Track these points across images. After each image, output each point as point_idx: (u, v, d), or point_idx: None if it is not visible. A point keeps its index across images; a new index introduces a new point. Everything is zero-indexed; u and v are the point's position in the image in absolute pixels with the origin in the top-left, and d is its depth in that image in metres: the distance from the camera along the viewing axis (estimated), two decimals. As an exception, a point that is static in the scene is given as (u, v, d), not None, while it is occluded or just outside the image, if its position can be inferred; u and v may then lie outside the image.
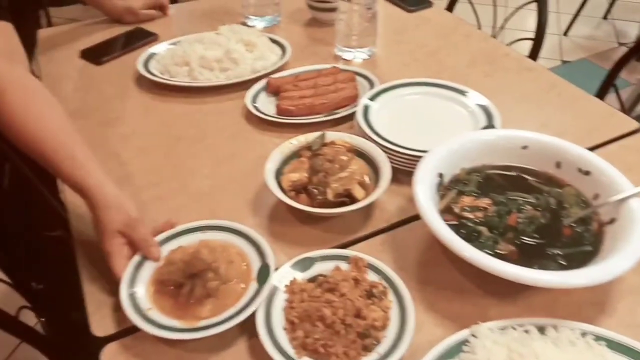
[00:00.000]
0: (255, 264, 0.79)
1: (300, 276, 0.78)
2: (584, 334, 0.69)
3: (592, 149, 0.98)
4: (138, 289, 0.76)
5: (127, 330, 0.75)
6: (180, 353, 0.73)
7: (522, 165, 0.90)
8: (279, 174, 0.92)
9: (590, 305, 0.78)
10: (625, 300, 0.78)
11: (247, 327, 0.73)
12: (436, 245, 0.87)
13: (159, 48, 1.28)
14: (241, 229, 0.83)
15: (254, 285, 0.75)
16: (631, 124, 1.10)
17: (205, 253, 0.77)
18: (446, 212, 0.84)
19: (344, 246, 0.86)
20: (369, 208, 0.94)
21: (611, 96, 1.35)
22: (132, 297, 0.74)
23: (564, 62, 2.99)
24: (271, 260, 0.78)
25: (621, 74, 1.34)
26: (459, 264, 0.83)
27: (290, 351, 0.69)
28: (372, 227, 0.91)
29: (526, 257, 0.78)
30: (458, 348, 0.69)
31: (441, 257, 0.85)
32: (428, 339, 0.73)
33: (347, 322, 0.69)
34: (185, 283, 0.75)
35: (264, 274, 0.77)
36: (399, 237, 0.89)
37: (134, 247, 0.80)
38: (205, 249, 0.78)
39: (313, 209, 0.85)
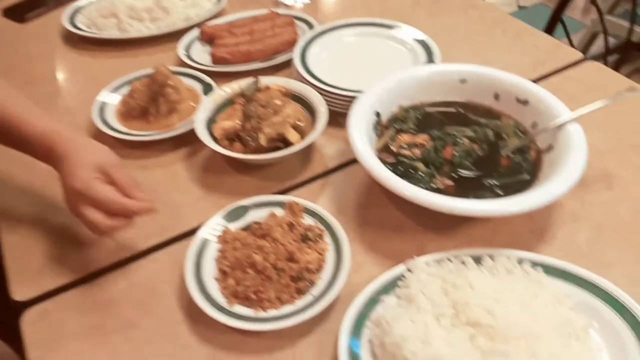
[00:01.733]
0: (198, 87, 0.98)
1: (234, 226, 0.76)
2: (520, 262, 0.69)
3: (535, 81, 0.96)
4: None
5: (48, 294, 0.72)
6: (102, 319, 0.71)
7: (461, 100, 0.89)
8: (212, 123, 0.88)
9: (529, 234, 0.77)
10: (565, 227, 0.78)
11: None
12: (375, 185, 0.85)
13: (85, 1, 1.22)
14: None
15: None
16: (576, 54, 1.09)
17: (164, 69, 0.93)
18: (383, 151, 0.83)
19: (282, 193, 0.84)
20: (308, 153, 0.91)
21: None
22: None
23: (520, 7, 2.97)
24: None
25: (576, 16, 1.33)
26: (398, 202, 0.82)
27: (221, 300, 0.67)
28: (311, 172, 0.89)
29: (463, 190, 0.76)
30: (393, 283, 0.68)
31: (381, 198, 0.84)
32: (367, 278, 0.71)
33: (279, 266, 0.68)
34: (150, 105, 0.92)
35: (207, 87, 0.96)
36: (339, 181, 0.87)
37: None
38: (162, 67, 0.94)
39: (245, 155, 0.82)
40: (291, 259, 0.69)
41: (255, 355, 0.66)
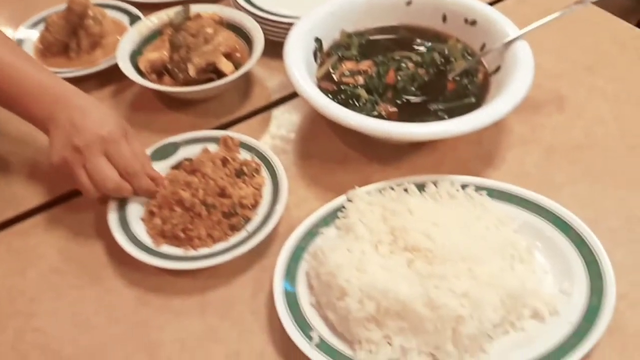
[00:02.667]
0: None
1: (163, 165, 0.71)
2: (464, 186, 0.66)
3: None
4: None
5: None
6: (22, 265, 0.67)
7: (407, 24, 0.84)
8: (138, 56, 0.83)
9: (477, 159, 0.75)
10: (514, 151, 0.76)
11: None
12: (319, 118, 0.81)
13: None
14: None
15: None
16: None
17: None
18: (324, 79, 0.78)
19: (220, 129, 0.80)
20: (247, 87, 0.86)
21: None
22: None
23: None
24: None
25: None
26: (342, 134, 0.79)
27: (148, 241, 0.64)
28: (251, 106, 0.84)
29: (407, 116, 0.73)
30: (333, 215, 0.65)
31: (324, 130, 0.80)
32: (308, 213, 0.68)
33: (209, 202, 0.64)
34: (70, 40, 0.87)
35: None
36: (281, 115, 0.83)
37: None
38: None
39: (174, 88, 0.77)
40: (223, 194, 0.65)
41: (186, 296, 0.63)
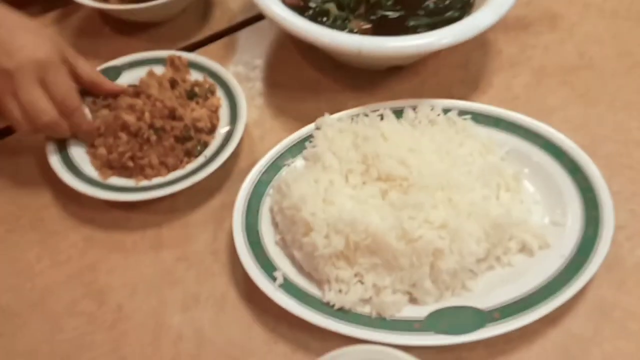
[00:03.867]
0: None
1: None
2: (446, 111, 0.60)
3: None
4: None
5: None
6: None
7: None
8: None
9: (461, 84, 0.69)
10: (503, 74, 0.69)
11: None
12: (287, 42, 0.75)
13: None
14: None
15: None
16: None
17: None
18: (290, -5, 0.70)
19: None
20: (207, 8, 0.79)
21: None
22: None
23: None
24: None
25: None
26: (312, 58, 0.72)
27: (93, 174, 0.58)
28: (210, 30, 0.77)
29: (383, 33, 0.66)
30: (301, 146, 0.59)
31: (293, 55, 0.73)
32: (274, 144, 0.62)
33: (158, 125, 0.58)
34: None
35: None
36: (245, 40, 0.76)
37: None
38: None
39: (119, 6, 0.69)
40: (173, 117, 0.59)
41: (139, 234, 0.58)
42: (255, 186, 0.56)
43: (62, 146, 0.59)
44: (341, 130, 0.58)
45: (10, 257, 0.57)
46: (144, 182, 0.57)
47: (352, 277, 0.48)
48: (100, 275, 0.55)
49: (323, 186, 0.52)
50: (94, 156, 0.59)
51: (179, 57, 0.66)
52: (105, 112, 0.61)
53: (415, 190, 0.50)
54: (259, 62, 0.73)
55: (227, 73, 0.65)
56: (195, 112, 0.60)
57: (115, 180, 0.57)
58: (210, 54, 0.73)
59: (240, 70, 0.72)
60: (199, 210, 0.59)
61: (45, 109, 0.55)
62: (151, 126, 0.57)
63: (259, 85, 0.71)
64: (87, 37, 0.76)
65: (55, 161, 0.58)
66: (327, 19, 0.67)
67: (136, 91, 0.61)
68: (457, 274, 0.48)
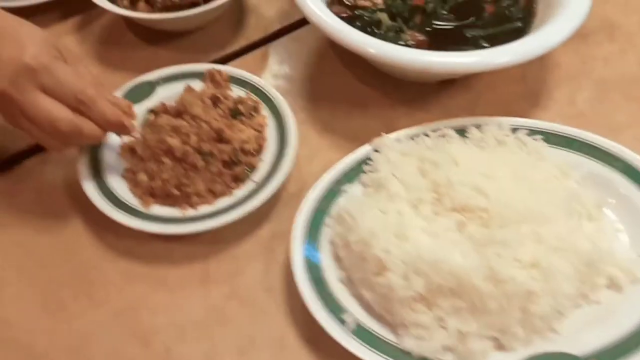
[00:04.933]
0: None
1: (137, 109, 0.60)
2: (515, 130, 0.56)
3: None
4: None
5: None
6: None
7: None
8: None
9: (520, 99, 0.65)
10: (563, 88, 0.66)
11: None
12: (330, 52, 0.71)
13: None
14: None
15: None
16: None
17: None
18: (335, 4, 0.67)
19: (209, 68, 0.68)
20: (241, 16, 0.75)
21: None
22: None
23: None
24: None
25: None
26: (357, 70, 0.68)
27: (133, 201, 0.53)
28: (245, 39, 0.73)
29: (440, 45, 0.62)
30: (358, 169, 0.55)
31: (336, 66, 0.69)
32: (324, 167, 0.59)
33: (205, 149, 0.53)
34: None
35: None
36: (283, 49, 0.72)
37: None
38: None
39: (150, 15, 0.65)
40: (220, 139, 0.55)
41: (185, 268, 0.53)
42: (313, 215, 0.52)
43: (95, 169, 0.55)
44: (404, 153, 0.54)
45: (43, 296, 0.52)
46: (191, 212, 0.53)
47: (433, 322, 0.44)
48: (144, 314, 0.51)
49: (392, 218, 0.48)
50: (132, 183, 0.54)
51: (219, 72, 0.62)
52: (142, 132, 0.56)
53: (496, 222, 0.46)
54: (299, 74, 0.69)
55: (272, 88, 0.61)
56: (243, 133, 0.56)
57: (159, 210, 0.53)
58: (246, 66, 0.69)
59: (280, 84, 0.68)
60: (247, 241, 0.55)
61: (59, 116, 0.49)
62: (198, 150, 0.53)
63: (300, 99, 0.67)
64: (112, 46, 0.71)
65: (90, 188, 0.53)
66: (378, 30, 0.63)
67: (178, 110, 0.56)
68: (548, 316, 0.44)
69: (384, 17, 0.64)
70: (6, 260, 0.54)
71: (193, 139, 0.53)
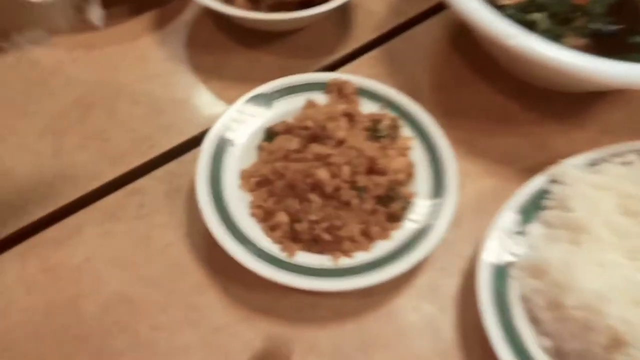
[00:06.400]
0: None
1: (251, 128, 0.51)
2: None
3: None
4: None
5: None
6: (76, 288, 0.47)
7: None
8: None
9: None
10: None
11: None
12: (453, 54, 0.62)
13: None
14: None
15: None
16: None
17: None
18: (474, -1, 0.57)
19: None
20: (346, 12, 0.65)
21: None
22: None
23: None
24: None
25: None
26: (492, 76, 0.60)
27: (272, 249, 0.44)
28: (355, 41, 0.64)
29: (604, 51, 0.53)
30: (536, 204, 0.47)
31: (464, 72, 0.60)
32: (475, 193, 0.51)
33: (360, 184, 0.44)
34: None
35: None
36: (399, 51, 0.63)
37: None
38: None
39: (258, 15, 0.56)
40: (373, 169, 0.46)
41: (335, 326, 0.45)
42: (494, 264, 0.44)
43: (220, 204, 0.46)
44: (595, 186, 0.46)
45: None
46: (345, 261, 0.44)
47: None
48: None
49: (616, 275, 0.40)
50: (264, 221, 0.45)
51: (346, 82, 0.53)
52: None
53: None
54: (421, 81, 0.60)
55: (411, 102, 0.53)
56: (396, 161, 0.47)
57: (304, 258, 0.44)
58: (358, 71, 0.60)
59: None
60: (405, 292, 0.46)
61: None
62: (352, 184, 0.44)
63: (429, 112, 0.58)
64: (201, 49, 0.61)
65: (218, 229, 0.44)
66: (532, 30, 0.54)
67: (314, 133, 0.47)
68: None
69: (539, 18, 0.55)
70: (107, 313, 0.45)
71: (345, 170, 0.44)
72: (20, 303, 0.45)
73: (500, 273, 0.43)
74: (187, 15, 0.64)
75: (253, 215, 0.46)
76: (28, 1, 0.45)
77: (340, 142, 0.46)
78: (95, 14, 0.54)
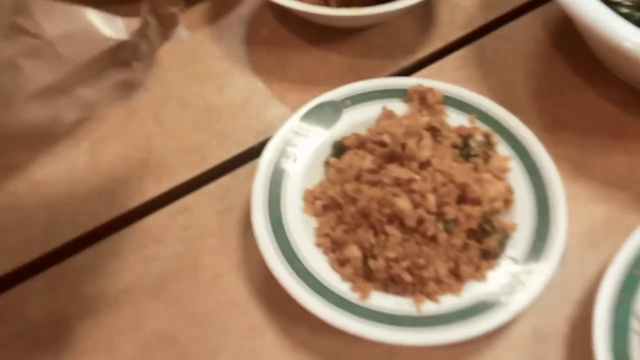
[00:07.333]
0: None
1: (318, 140, 0.44)
2: None
3: None
4: None
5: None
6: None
7: None
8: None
9: None
10: None
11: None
12: (556, 56, 0.54)
13: None
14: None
15: None
16: None
17: None
18: None
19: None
20: (430, 7, 0.58)
21: None
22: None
23: None
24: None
25: None
26: (614, 85, 0.51)
27: (341, 288, 0.37)
28: (440, 39, 0.56)
29: None
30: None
31: (570, 78, 0.52)
32: (584, 222, 0.44)
33: (450, 215, 0.37)
34: None
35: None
36: (490, 52, 0.55)
37: None
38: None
39: (328, 10, 0.49)
40: (464, 197, 0.39)
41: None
42: (614, 314, 0.36)
43: (279, 231, 0.39)
44: None
45: None
46: (431, 307, 0.36)
47: None
48: None
49: None
50: (332, 253, 0.39)
51: (430, 90, 0.46)
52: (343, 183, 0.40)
53: None
54: (517, 88, 0.52)
55: (506, 113, 0.45)
56: (492, 186, 0.39)
57: (380, 300, 0.37)
58: (443, 75, 0.53)
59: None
60: (500, 344, 0.39)
61: None
62: (440, 216, 0.37)
63: (526, 125, 0.50)
64: (262, 47, 0.55)
65: (277, 262, 0.38)
66: None
67: (391, 152, 0.40)
68: None
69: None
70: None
71: (431, 199, 0.37)
72: (48, 338, 0.40)
73: (621, 326, 0.35)
74: (245, 9, 0.58)
75: (318, 245, 0.39)
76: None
77: (424, 164, 0.39)
78: (183, 34, 0.50)
